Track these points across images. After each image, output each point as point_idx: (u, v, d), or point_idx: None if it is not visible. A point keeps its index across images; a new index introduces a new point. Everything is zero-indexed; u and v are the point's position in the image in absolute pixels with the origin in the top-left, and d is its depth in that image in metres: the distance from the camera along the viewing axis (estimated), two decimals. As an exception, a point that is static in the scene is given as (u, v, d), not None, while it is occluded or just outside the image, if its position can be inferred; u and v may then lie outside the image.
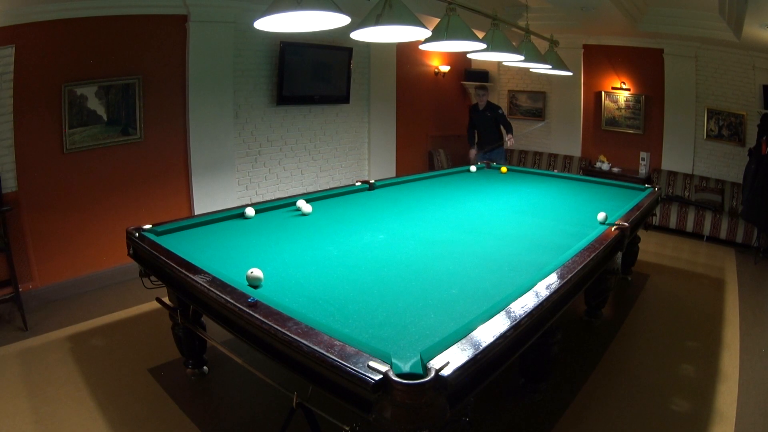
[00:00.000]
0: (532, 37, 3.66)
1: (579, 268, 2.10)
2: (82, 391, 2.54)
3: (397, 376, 1.25)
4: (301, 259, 2.29)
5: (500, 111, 5.52)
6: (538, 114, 7.33)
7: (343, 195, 3.62)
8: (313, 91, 5.31)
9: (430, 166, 7.07)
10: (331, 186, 5.16)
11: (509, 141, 5.39)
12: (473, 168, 4.91)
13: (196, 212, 4.36)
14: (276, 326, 1.53)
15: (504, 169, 4.92)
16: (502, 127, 5.85)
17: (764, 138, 4.81)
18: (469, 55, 3.29)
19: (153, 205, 4.22)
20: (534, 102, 7.33)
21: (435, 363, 1.31)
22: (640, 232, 3.99)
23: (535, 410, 2.43)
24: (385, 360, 1.33)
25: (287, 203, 3.24)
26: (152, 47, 4.07)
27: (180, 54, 4.25)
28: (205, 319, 2.52)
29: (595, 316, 3.39)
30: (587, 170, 6.57)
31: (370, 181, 3.90)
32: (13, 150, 3.42)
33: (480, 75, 7.56)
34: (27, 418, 2.32)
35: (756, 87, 5.29)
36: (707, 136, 5.85)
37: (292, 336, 1.47)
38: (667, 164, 6.18)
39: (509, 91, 7.53)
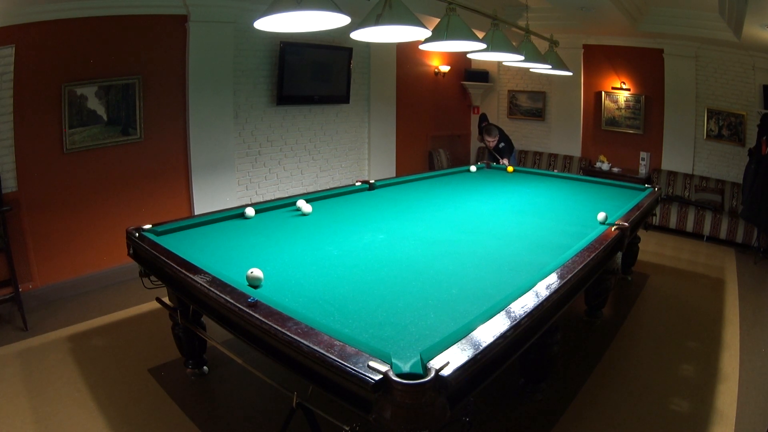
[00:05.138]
0: (532, 37, 3.66)
1: (579, 268, 2.10)
2: (82, 391, 2.54)
3: (397, 376, 1.25)
4: (301, 259, 2.29)
5: (501, 145, 5.54)
6: (538, 114, 7.33)
7: (343, 195, 3.62)
8: (313, 91, 5.31)
9: (430, 166, 7.08)
10: (331, 186, 5.16)
11: (502, 162, 5.44)
12: (473, 168, 4.91)
13: (196, 212, 4.36)
14: (276, 326, 1.53)
15: (510, 168, 4.93)
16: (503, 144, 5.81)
17: (764, 138, 4.81)
18: (469, 55, 3.29)
19: (153, 205, 4.22)
20: (534, 102, 7.33)
21: (435, 363, 1.31)
22: (640, 232, 4.00)
23: (535, 410, 2.42)
24: (385, 360, 1.33)
25: (287, 203, 3.24)
26: (152, 47, 4.07)
27: (180, 54, 4.25)
28: (205, 319, 2.52)
29: (595, 316, 3.39)
30: (587, 170, 6.57)
31: (370, 181, 3.90)
32: (13, 150, 3.42)
33: (480, 75, 7.57)
34: (27, 418, 2.32)
35: (756, 87, 5.29)
36: (707, 136, 5.85)
37: (292, 336, 1.47)
38: (667, 164, 6.18)
39: (509, 91, 7.53)
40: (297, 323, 1.55)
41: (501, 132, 5.58)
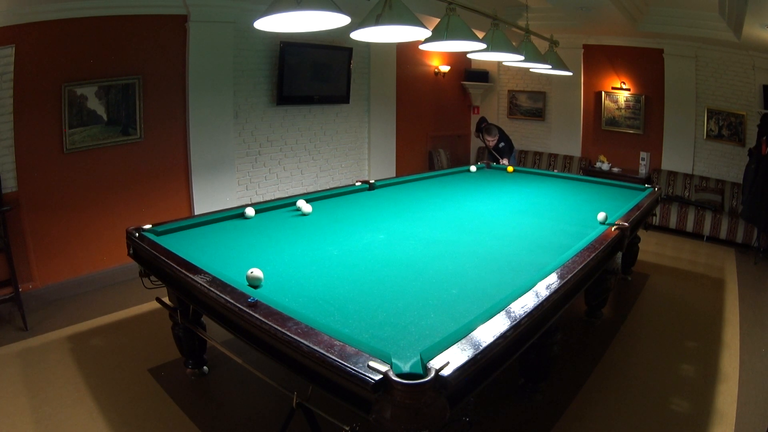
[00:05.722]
0: (532, 37, 3.66)
1: (579, 268, 2.10)
2: (82, 391, 2.54)
3: (397, 376, 1.25)
4: (301, 259, 2.29)
5: (501, 145, 5.54)
6: (538, 114, 7.33)
7: (343, 195, 3.62)
8: (313, 91, 5.31)
9: (430, 166, 7.08)
10: (331, 186, 5.16)
11: (502, 162, 5.45)
12: (473, 168, 4.91)
13: (196, 212, 4.36)
14: (276, 326, 1.53)
15: (510, 168, 4.93)
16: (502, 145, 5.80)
17: (764, 138, 4.81)
18: (469, 55, 3.29)
19: (153, 205, 4.22)
20: (534, 102, 7.33)
21: (435, 363, 1.31)
22: (640, 232, 3.99)
23: (535, 410, 2.42)
24: (385, 360, 1.33)
25: (287, 203, 3.24)
26: (152, 47, 4.07)
27: (180, 54, 4.25)
28: (205, 319, 2.52)
29: (595, 316, 3.39)
30: (587, 170, 6.57)
31: (370, 181, 3.90)
32: (13, 150, 3.42)
33: (480, 75, 7.57)
34: (27, 418, 2.32)
35: (756, 87, 5.29)
36: (707, 136, 5.85)
37: (292, 336, 1.47)
38: (667, 164, 6.18)
39: (509, 91, 7.53)
40: (297, 323, 1.55)
41: (501, 132, 5.58)
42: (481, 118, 6.41)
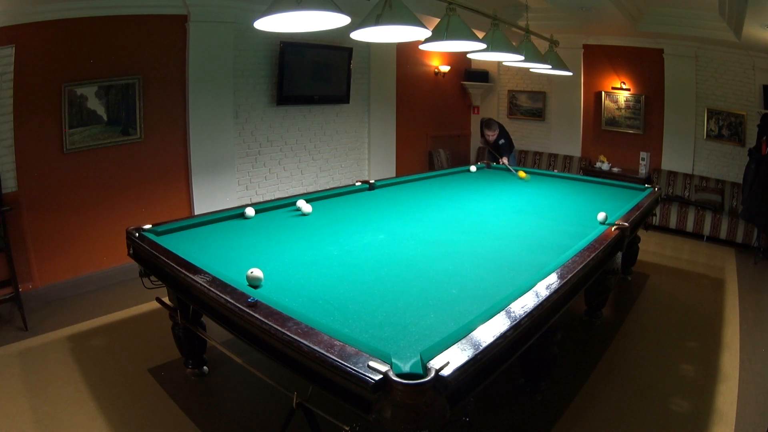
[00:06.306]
0: (532, 37, 3.66)
1: (579, 268, 2.10)
2: (82, 391, 2.54)
3: (397, 376, 1.25)
4: (301, 259, 2.29)
5: (501, 142, 5.52)
6: (538, 114, 7.33)
7: (343, 195, 3.62)
8: (313, 91, 5.31)
9: (430, 166, 7.08)
10: (331, 186, 5.16)
11: (501, 161, 5.43)
12: (473, 168, 4.91)
13: (196, 212, 4.36)
14: (276, 326, 1.53)
15: (522, 173, 4.59)
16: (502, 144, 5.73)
17: (764, 138, 4.80)
18: (469, 55, 3.29)
19: (153, 205, 4.22)
20: (534, 102, 7.33)
21: (435, 363, 1.31)
22: (640, 232, 4.00)
23: (535, 410, 2.42)
24: (385, 360, 1.33)
25: (287, 203, 3.24)
26: (152, 47, 4.07)
27: (180, 54, 4.25)
28: (205, 319, 2.52)
29: (595, 316, 3.39)
30: (587, 170, 6.57)
31: (370, 181, 3.90)
32: (13, 150, 3.42)
33: (480, 75, 7.57)
34: (27, 418, 2.32)
35: (756, 87, 5.29)
36: (707, 136, 5.85)
37: (292, 336, 1.47)
38: (667, 164, 6.18)
39: (509, 91, 7.53)
40: (297, 323, 1.55)
41: (501, 128, 5.56)
42: (487, 119, 6.38)
